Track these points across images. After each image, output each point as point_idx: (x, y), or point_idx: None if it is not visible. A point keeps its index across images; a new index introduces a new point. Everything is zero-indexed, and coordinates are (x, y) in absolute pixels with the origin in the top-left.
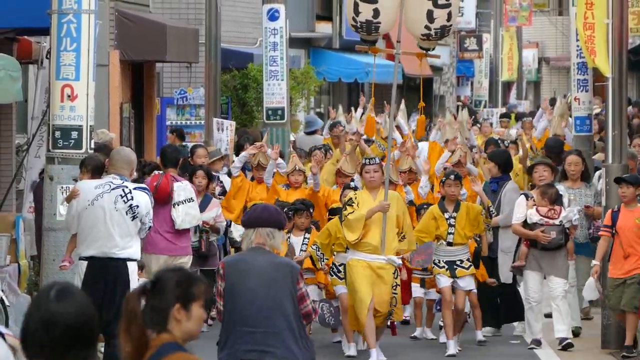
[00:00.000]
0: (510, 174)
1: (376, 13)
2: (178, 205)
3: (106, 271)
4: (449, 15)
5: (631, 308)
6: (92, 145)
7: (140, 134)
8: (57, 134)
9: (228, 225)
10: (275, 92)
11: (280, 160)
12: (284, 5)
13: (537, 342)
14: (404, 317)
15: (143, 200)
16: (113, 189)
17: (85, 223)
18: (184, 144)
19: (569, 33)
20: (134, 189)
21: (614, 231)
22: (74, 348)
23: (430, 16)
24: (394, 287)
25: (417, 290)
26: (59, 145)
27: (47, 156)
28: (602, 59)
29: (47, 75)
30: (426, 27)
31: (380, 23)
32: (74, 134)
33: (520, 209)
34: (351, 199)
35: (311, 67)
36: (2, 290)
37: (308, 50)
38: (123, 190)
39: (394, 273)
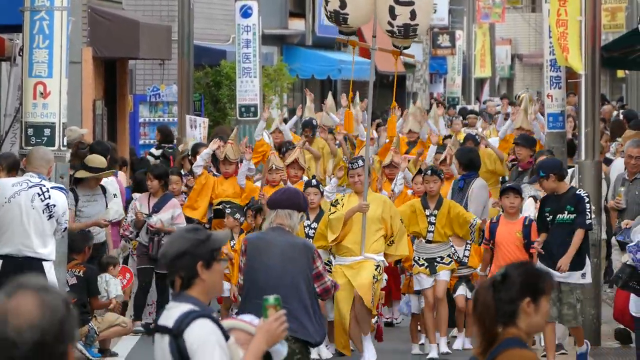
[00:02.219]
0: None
1: (343, 4)
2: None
3: (21, 270)
4: (412, 13)
5: None
6: (65, 142)
7: (113, 131)
8: (30, 131)
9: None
10: (248, 89)
11: (251, 165)
12: (257, 2)
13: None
14: (388, 319)
15: (60, 200)
16: (30, 187)
17: (2, 221)
18: (170, 146)
19: (542, 30)
20: (52, 188)
21: (491, 245)
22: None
23: (392, 12)
24: (377, 268)
25: (415, 305)
26: (32, 143)
27: (20, 153)
28: (575, 55)
29: (20, 72)
30: (389, 23)
31: (347, 14)
32: (47, 131)
33: (530, 211)
34: (337, 200)
35: (284, 64)
36: None
37: (281, 47)
38: (40, 188)
39: (376, 267)
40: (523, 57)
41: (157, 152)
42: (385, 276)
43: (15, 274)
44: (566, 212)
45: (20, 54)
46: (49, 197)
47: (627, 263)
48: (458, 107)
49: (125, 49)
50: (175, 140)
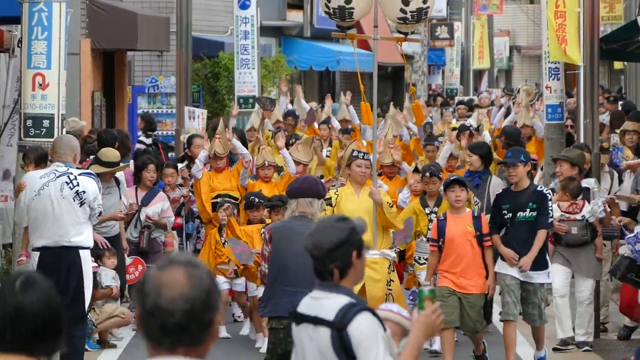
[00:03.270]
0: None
1: None
2: None
3: (59, 260)
4: None
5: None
6: (64, 134)
7: (112, 123)
8: (29, 122)
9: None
10: (246, 81)
11: (241, 147)
12: None
13: (564, 343)
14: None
15: (89, 186)
16: (58, 176)
17: (35, 214)
18: (155, 133)
19: (540, 21)
20: (80, 174)
21: (440, 243)
22: (41, 339)
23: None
24: (389, 283)
25: None
26: (31, 134)
27: (19, 145)
28: (574, 47)
29: (19, 64)
30: (402, 10)
31: (353, 9)
32: (46, 123)
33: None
34: (330, 198)
35: (282, 56)
36: None
37: (279, 39)
38: (68, 177)
39: (388, 267)
40: (521, 49)
41: (148, 141)
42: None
43: (52, 265)
44: (528, 210)
45: (19, 45)
46: (78, 184)
47: (625, 255)
48: (457, 99)
49: (124, 40)
50: (174, 131)
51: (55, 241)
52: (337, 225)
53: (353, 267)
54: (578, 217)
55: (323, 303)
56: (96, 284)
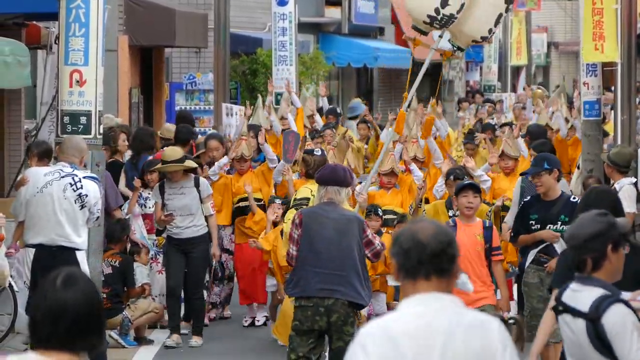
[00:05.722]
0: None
1: (461, 6)
2: None
3: (54, 260)
4: (462, 5)
5: None
6: (101, 131)
7: (150, 119)
8: (66, 119)
9: None
10: (284, 77)
11: (273, 155)
12: None
13: None
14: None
15: (92, 190)
16: (63, 177)
17: (34, 210)
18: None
19: (578, 18)
20: (84, 177)
21: None
22: (82, 335)
23: (498, 19)
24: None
25: None
26: (68, 131)
27: (56, 141)
28: (611, 44)
29: (56, 60)
30: (436, 10)
31: (456, 18)
32: (83, 119)
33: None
34: (308, 199)
35: (320, 52)
36: (11, 276)
37: (317, 35)
38: (72, 178)
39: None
40: (559, 45)
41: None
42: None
43: (48, 263)
44: (559, 223)
45: (56, 42)
46: (81, 187)
47: None
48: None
49: (161, 37)
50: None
51: (53, 239)
52: (597, 218)
53: (607, 259)
54: None
55: (578, 296)
56: (132, 284)
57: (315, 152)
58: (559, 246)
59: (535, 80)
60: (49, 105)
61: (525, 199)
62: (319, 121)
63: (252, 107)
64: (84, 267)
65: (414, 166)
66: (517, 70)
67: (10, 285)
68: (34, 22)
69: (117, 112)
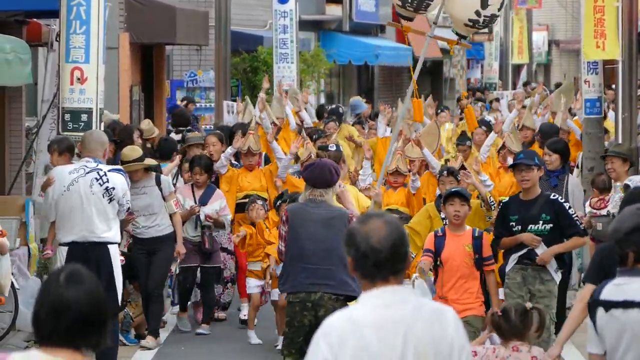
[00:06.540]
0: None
1: (501, 4)
2: None
3: (88, 256)
4: (501, 4)
5: None
6: (102, 128)
7: (151, 117)
8: (67, 116)
9: None
10: (285, 75)
11: (282, 154)
12: None
13: None
14: None
15: (119, 182)
16: (87, 172)
17: (63, 209)
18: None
19: (579, 16)
20: (109, 170)
21: (438, 262)
22: (84, 333)
23: (485, 2)
24: None
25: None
26: (69, 128)
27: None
28: (613, 42)
29: (57, 58)
30: (477, 12)
31: (432, 1)
32: (84, 117)
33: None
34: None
35: (321, 50)
36: (12, 274)
37: (318, 33)
38: (97, 173)
39: None
40: (560, 43)
41: (177, 137)
42: None
43: (81, 260)
44: (541, 222)
45: (57, 39)
46: (107, 181)
47: None
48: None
49: (162, 34)
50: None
51: (84, 236)
52: (638, 212)
53: None
54: (603, 212)
55: (626, 288)
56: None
57: (330, 148)
58: (541, 250)
59: (536, 78)
60: (50, 102)
61: (503, 200)
62: (306, 119)
63: (244, 102)
64: (117, 261)
65: (428, 155)
66: (518, 68)
67: (12, 282)
68: (35, 20)
69: (118, 109)
